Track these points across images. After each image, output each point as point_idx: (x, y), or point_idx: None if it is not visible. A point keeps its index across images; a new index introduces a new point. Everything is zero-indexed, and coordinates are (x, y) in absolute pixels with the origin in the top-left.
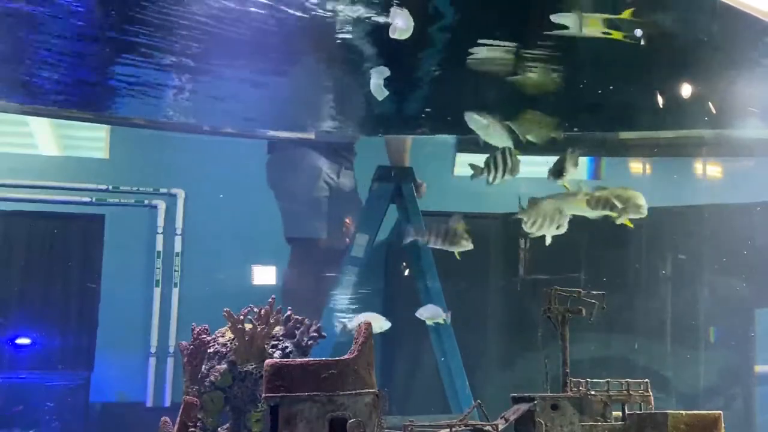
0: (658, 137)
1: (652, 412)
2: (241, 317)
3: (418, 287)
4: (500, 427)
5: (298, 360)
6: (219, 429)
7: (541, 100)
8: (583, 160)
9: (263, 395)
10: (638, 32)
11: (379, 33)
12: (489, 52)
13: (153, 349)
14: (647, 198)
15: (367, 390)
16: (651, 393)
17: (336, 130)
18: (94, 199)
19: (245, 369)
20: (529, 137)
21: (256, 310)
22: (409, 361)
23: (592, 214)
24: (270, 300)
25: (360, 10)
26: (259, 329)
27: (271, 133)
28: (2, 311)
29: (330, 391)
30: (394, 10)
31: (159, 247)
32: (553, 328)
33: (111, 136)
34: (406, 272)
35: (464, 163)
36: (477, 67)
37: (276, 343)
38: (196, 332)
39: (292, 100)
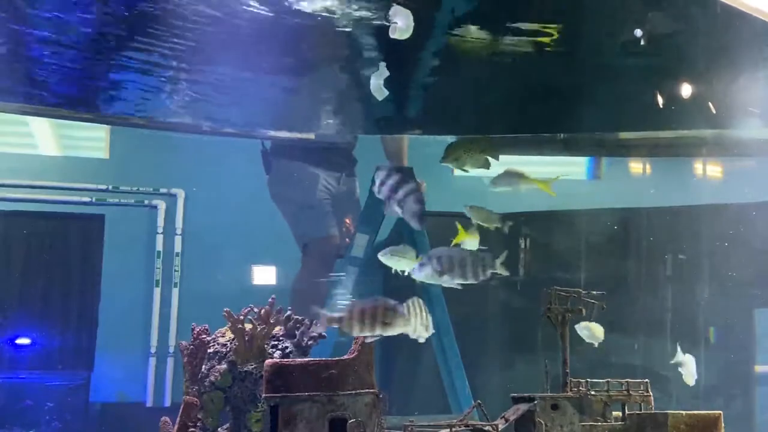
0: (658, 137)
1: (652, 412)
2: (241, 317)
3: (418, 287)
4: (500, 427)
5: (298, 360)
6: (219, 429)
7: (539, 98)
8: (583, 160)
9: (263, 395)
10: (638, 32)
11: (379, 33)
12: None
13: (153, 349)
14: (648, 198)
15: (367, 390)
16: (651, 393)
17: (335, 130)
18: (94, 199)
19: (245, 369)
20: (466, 168)
21: (256, 310)
22: (409, 361)
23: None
24: (270, 300)
25: (360, 10)
26: (259, 329)
27: (272, 133)
28: (2, 311)
29: (330, 391)
30: (394, 9)
31: (159, 247)
32: (553, 328)
33: (111, 136)
34: (407, 272)
35: None
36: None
37: (276, 343)
38: (196, 332)
39: (291, 100)
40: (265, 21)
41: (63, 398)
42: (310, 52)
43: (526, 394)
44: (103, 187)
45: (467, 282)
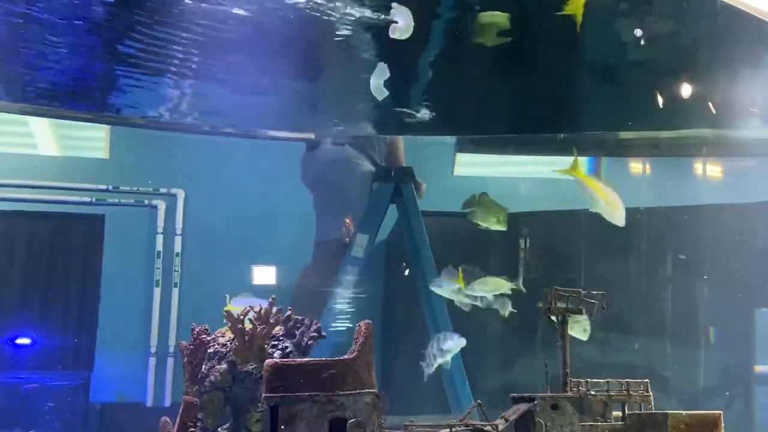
0: (658, 137)
1: (652, 412)
2: (241, 317)
3: (418, 287)
4: (500, 427)
5: (298, 360)
6: (219, 429)
7: (540, 97)
8: (583, 160)
9: (263, 395)
10: (638, 32)
11: (379, 33)
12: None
13: (153, 349)
14: (648, 198)
15: (367, 390)
16: (651, 393)
17: (335, 130)
18: (94, 199)
19: (245, 369)
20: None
21: (256, 310)
22: (409, 361)
23: None
24: (270, 300)
25: (360, 10)
26: (259, 329)
27: (272, 133)
28: (2, 311)
29: (330, 391)
30: (394, 9)
31: (159, 247)
32: (552, 328)
33: (111, 136)
34: (406, 272)
35: (464, 163)
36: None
37: (276, 343)
38: (196, 332)
39: (291, 100)
40: (265, 22)
41: (63, 398)
42: (310, 52)
43: (526, 394)
44: (103, 187)
45: None
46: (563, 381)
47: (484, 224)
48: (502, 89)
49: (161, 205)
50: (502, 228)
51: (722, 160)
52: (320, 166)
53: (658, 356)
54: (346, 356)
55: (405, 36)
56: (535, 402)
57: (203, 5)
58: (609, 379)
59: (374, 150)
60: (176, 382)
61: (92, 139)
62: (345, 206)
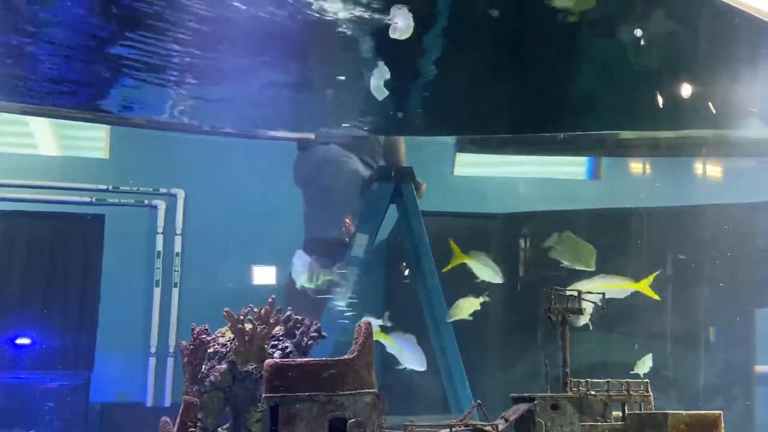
0: (658, 137)
1: (652, 412)
2: (241, 317)
3: (418, 287)
4: (500, 427)
5: (298, 360)
6: (219, 429)
7: (540, 97)
8: (583, 160)
9: (263, 395)
10: (638, 32)
11: (379, 33)
12: None
13: (153, 349)
14: (647, 198)
15: (367, 390)
16: (651, 393)
17: (335, 130)
18: (94, 199)
19: (245, 369)
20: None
21: (256, 310)
22: None
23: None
24: (270, 300)
25: (361, 10)
26: (259, 329)
27: (271, 133)
28: (2, 311)
29: (330, 391)
30: (394, 9)
31: (159, 247)
32: (552, 328)
33: (111, 136)
34: (406, 272)
35: (464, 163)
36: None
37: (276, 343)
38: (196, 332)
39: (291, 100)
40: (265, 22)
41: (63, 398)
42: (310, 52)
43: (526, 394)
44: (103, 187)
45: None
46: (563, 381)
47: (568, 263)
48: (501, 89)
49: (161, 205)
50: (590, 269)
51: (722, 160)
52: (311, 167)
53: (658, 356)
54: (346, 356)
55: (405, 36)
56: (535, 402)
57: (203, 5)
58: (609, 379)
59: (368, 150)
60: (176, 382)
61: (92, 139)
62: (335, 206)
